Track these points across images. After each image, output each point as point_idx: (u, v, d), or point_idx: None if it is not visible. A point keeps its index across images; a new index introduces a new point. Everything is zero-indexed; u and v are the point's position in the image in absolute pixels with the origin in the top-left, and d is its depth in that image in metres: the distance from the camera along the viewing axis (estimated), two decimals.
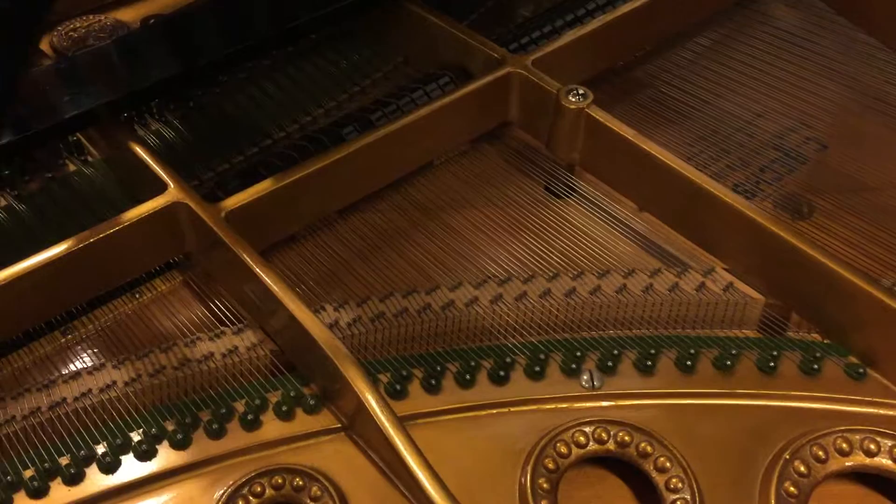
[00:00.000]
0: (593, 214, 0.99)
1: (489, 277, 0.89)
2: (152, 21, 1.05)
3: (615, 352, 0.83)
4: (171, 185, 0.85)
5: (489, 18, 1.18)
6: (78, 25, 1.09)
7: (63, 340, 0.86)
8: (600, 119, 0.94)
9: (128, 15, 1.12)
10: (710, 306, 0.87)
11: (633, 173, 0.95)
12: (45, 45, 1.07)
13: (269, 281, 0.80)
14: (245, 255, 0.81)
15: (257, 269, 0.81)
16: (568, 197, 1.01)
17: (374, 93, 1.07)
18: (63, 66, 0.92)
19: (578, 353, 0.83)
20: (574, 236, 0.97)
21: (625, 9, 1.07)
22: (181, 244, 0.87)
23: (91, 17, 1.10)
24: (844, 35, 1.22)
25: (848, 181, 1.05)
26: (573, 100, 0.95)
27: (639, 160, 0.93)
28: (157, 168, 0.87)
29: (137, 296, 0.90)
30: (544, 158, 1.04)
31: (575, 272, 0.89)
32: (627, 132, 0.94)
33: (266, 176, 0.90)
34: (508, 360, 0.82)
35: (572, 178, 1.01)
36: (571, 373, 0.82)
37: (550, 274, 0.89)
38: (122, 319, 0.89)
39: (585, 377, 0.82)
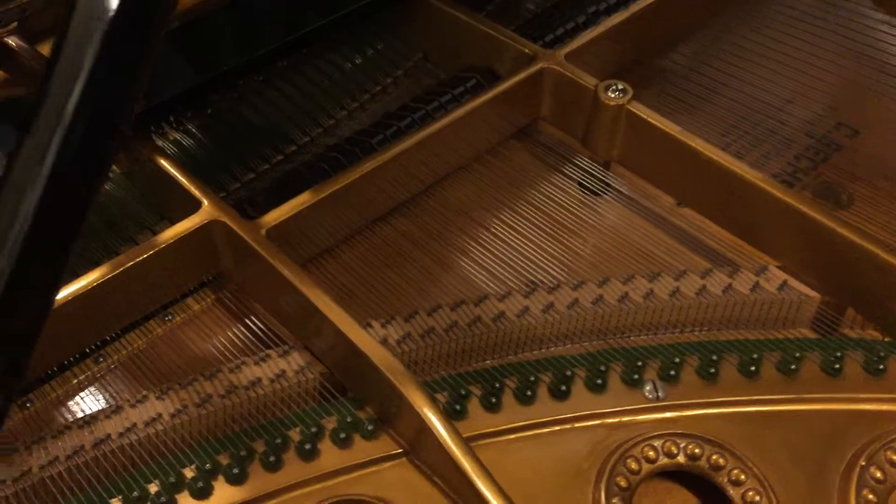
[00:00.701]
0: (632, 211, 0.97)
1: (538, 285, 0.86)
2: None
3: (676, 360, 0.81)
4: (206, 202, 0.81)
5: (497, 13, 1.14)
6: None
7: (96, 368, 0.82)
8: (642, 115, 0.91)
9: None
10: (765, 306, 0.85)
11: (676, 169, 0.92)
12: (45, 50, 1.01)
13: (316, 299, 0.77)
14: (288, 273, 0.78)
15: (303, 288, 0.77)
16: (604, 193, 0.98)
17: (397, 92, 1.03)
18: None
19: (640, 363, 0.80)
20: (617, 236, 0.94)
21: None
22: (216, 263, 0.83)
23: None
24: (863, 13, 1.20)
25: (883, 167, 1.03)
26: (612, 96, 0.92)
27: (682, 155, 0.90)
28: (188, 183, 0.83)
29: (169, 318, 0.85)
30: (574, 153, 1.01)
31: (625, 276, 0.87)
32: (671, 128, 0.91)
33: (298, 188, 0.86)
34: (568, 373, 0.79)
35: (606, 173, 0.99)
36: (634, 384, 0.79)
37: (600, 279, 0.86)
38: (155, 343, 0.84)
39: (648, 388, 0.79)
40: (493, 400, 0.77)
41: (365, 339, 0.75)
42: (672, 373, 0.80)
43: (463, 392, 0.78)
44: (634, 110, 0.91)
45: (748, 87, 1.11)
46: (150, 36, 0.45)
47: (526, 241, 0.93)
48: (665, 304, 0.84)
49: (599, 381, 0.79)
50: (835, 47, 1.16)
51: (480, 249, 0.92)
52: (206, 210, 0.81)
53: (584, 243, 0.93)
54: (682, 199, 0.95)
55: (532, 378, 0.79)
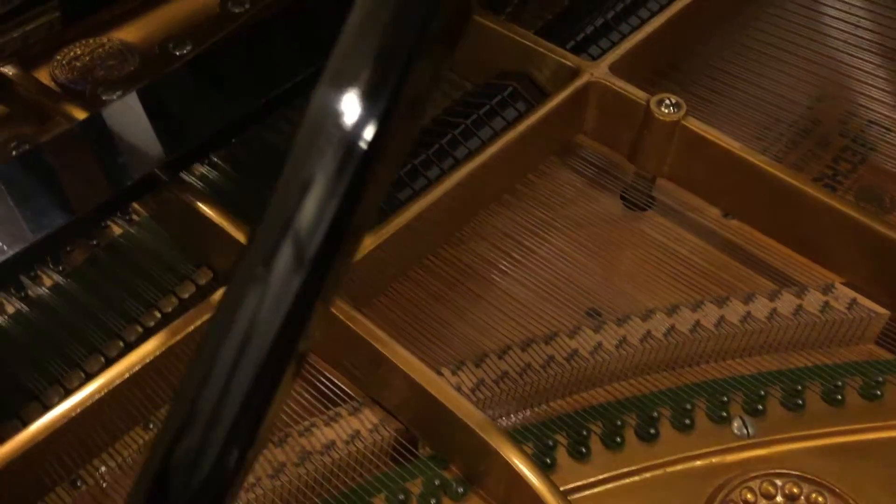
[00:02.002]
0: (680, 226, 0.94)
1: (605, 317, 0.83)
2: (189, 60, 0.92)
3: (761, 392, 0.78)
4: None
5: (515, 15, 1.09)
6: (79, 52, 0.95)
7: (148, 438, 0.75)
8: (698, 131, 0.88)
9: (131, 35, 0.98)
10: (835, 326, 0.83)
11: (731, 183, 0.89)
12: (44, 78, 0.93)
13: (384, 347, 0.72)
14: (353, 324, 0.73)
15: (368, 336, 0.72)
16: (649, 208, 0.95)
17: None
18: (103, 126, 0.79)
19: (724, 399, 0.78)
20: (670, 254, 0.91)
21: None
22: None
23: (91, 40, 0.96)
24: (878, 7, 1.18)
25: None
26: (666, 111, 0.88)
27: (739, 170, 0.87)
28: (236, 231, 0.76)
29: None
30: (614, 167, 0.97)
31: (693, 302, 0.84)
32: (728, 143, 0.87)
33: None
34: (655, 414, 0.76)
35: (649, 187, 0.95)
36: (721, 421, 0.77)
37: (668, 307, 0.83)
38: None
39: (737, 424, 0.77)
40: (583, 449, 0.74)
41: (445, 391, 0.71)
42: (759, 407, 0.77)
43: (550, 442, 0.74)
44: (690, 126, 0.88)
45: (775, 86, 1.08)
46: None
47: (578, 265, 0.89)
48: (737, 330, 0.82)
49: (688, 422, 0.76)
50: (855, 42, 1.14)
51: (533, 276, 0.88)
52: None
53: (638, 264, 0.90)
54: (736, 212, 0.92)
55: (619, 422, 0.76)
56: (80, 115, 0.84)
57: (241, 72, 0.85)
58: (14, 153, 0.83)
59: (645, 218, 0.95)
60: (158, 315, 0.79)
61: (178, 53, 0.93)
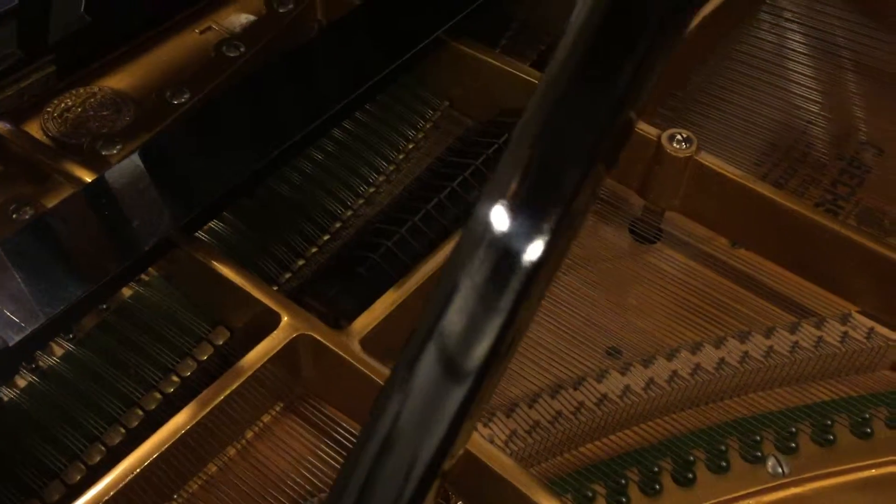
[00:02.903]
0: (690, 258, 0.94)
1: (626, 355, 0.82)
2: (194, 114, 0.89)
3: (792, 429, 0.78)
4: (286, 316, 0.73)
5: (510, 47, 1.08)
6: (70, 103, 0.91)
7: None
8: (711, 165, 0.88)
9: (122, 82, 0.95)
10: (854, 355, 0.84)
11: (743, 214, 0.89)
12: (35, 131, 0.89)
13: None
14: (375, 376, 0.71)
15: None
16: (657, 240, 0.95)
17: (429, 147, 0.96)
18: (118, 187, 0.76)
19: (757, 438, 0.77)
20: (684, 287, 0.91)
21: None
22: (297, 378, 0.75)
23: (81, 90, 0.93)
24: (860, 27, 1.19)
25: None
26: (678, 147, 0.88)
27: (751, 201, 0.87)
28: (260, 294, 0.74)
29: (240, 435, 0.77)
30: (621, 200, 0.97)
31: (716, 338, 0.84)
32: (740, 175, 0.88)
33: (367, 277, 0.79)
34: (690, 458, 0.76)
35: (659, 220, 0.95)
36: (756, 461, 0.76)
37: (692, 345, 0.83)
38: (229, 466, 0.76)
39: (771, 463, 0.76)
40: (623, 499, 0.73)
41: (482, 445, 0.69)
42: (791, 444, 0.77)
43: (589, 493, 0.73)
44: (702, 161, 0.88)
45: (768, 111, 1.09)
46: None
47: (594, 303, 0.89)
48: (761, 365, 0.82)
49: (724, 464, 0.76)
50: (838, 62, 1.15)
51: (551, 317, 0.87)
52: (290, 324, 0.72)
53: (653, 298, 0.90)
54: (747, 243, 0.92)
55: (655, 469, 0.75)
56: (80, 172, 0.81)
57: (249, 122, 0.82)
58: (14, 216, 0.80)
59: (654, 250, 0.95)
60: (177, 379, 0.76)
61: (175, 102, 0.91)
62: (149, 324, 0.79)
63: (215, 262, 0.76)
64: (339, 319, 0.78)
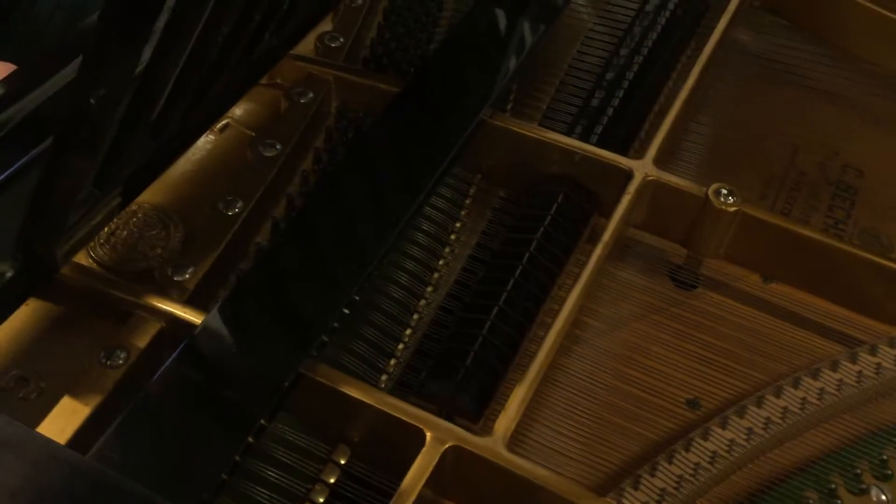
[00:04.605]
0: (729, 297, 0.99)
1: (705, 406, 0.87)
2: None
3: (884, 457, 0.84)
4: (429, 431, 0.72)
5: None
6: (114, 227, 0.87)
7: None
8: (758, 216, 0.93)
9: (157, 197, 0.91)
10: None
11: (786, 256, 0.95)
12: (84, 261, 0.84)
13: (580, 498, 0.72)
14: (544, 482, 0.72)
15: (562, 488, 0.72)
16: (698, 285, 1.00)
17: (473, 223, 0.97)
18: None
19: (857, 471, 0.83)
20: (736, 328, 0.95)
21: (695, 75, 1.05)
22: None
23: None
24: (818, 51, 1.28)
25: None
26: (726, 201, 0.93)
27: (794, 244, 0.93)
28: (398, 412, 0.73)
29: None
30: (661, 252, 1.01)
31: (792, 379, 0.89)
32: (787, 223, 0.94)
33: (473, 371, 0.80)
34: (810, 502, 0.81)
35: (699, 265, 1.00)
36: (861, 493, 0.82)
37: (774, 389, 0.88)
38: None
39: (874, 492, 0.82)
40: None
41: None
42: (888, 472, 0.83)
43: None
44: (751, 212, 0.93)
45: (755, 140, 1.16)
46: None
47: (658, 357, 0.93)
48: (837, 399, 0.88)
49: (838, 502, 0.81)
50: (798, 84, 1.24)
51: (628, 380, 0.90)
52: (436, 439, 0.72)
53: (712, 344, 0.94)
54: (782, 277, 0.98)
55: None
56: (162, 303, 0.78)
57: (338, 235, 0.81)
58: (108, 363, 0.75)
59: (698, 296, 0.99)
60: None
61: (230, 213, 0.88)
62: (268, 453, 0.76)
63: (343, 385, 0.75)
64: (453, 419, 0.78)
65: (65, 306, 0.81)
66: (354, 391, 0.74)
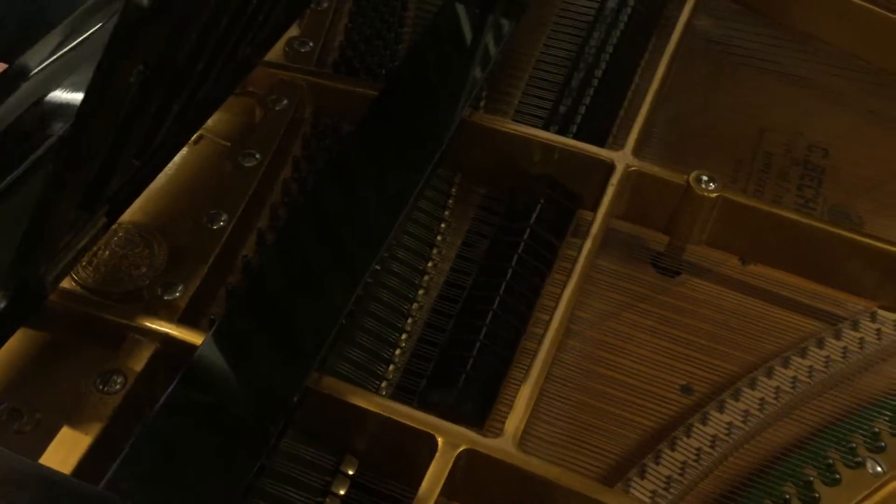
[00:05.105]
0: (711, 281, 1.00)
1: (697, 390, 0.88)
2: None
3: (875, 429, 0.86)
4: (440, 436, 0.72)
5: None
6: (95, 248, 0.84)
7: None
8: (739, 200, 0.94)
9: (136, 215, 0.88)
10: (889, 348, 0.93)
11: (767, 238, 0.96)
12: (68, 284, 0.82)
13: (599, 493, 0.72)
14: (556, 479, 0.72)
15: (576, 485, 0.72)
16: (680, 272, 1.01)
17: (458, 223, 0.97)
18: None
19: (853, 445, 0.85)
20: (720, 312, 0.97)
21: (664, 65, 1.06)
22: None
23: None
24: (776, 34, 1.30)
25: (865, 179, 1.15)
26: (707, 187, 0.94)
27: (775, 226, 0.95)
28: (408, 419, 0.73)
29: None
30: (641, 240, 1.02)
31: (782, 358, 0.90)
32: (766, 206, 0.95)
33: (473, 375, 0.80)
34: (810, 478, 0.82)
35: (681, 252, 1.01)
36: (857, 466, 0.84)
37: (765, 370, 0.90)
38: None
39: (870, 464, 0.84)
40: None
41: None
42: (881, 444, 0.85)
43: None
44: (732, 197, 0.94)
45: (722, 123, 1.17)
46: None
47: (649, 345, 0.93)
48: (826, 375, 0.90)
49: (837, 476, 0.83)
50: (757, 65, 1.25)
51: (620, 369, 0.91)
52: (448, 444, 0.72)
53: (700, 328, 0.95)
54: (762, 259, 1.00)
55: (786, 496, 0.81)
56: (155, 324, 0.76)
57: (331, 249, 0.80)
58: (104, 389, 0.73)
59: (681, 282, 1.00)
60: None
61: (216, 227, 0.86)
62: (276, 469, 0.75)
63: (349, 395, 0.74)
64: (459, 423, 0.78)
65: (53, 333, 0.78)
66: (361, 401, 0.74)
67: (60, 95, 0.80)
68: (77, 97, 0.79)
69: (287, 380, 0.70)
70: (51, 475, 0.59)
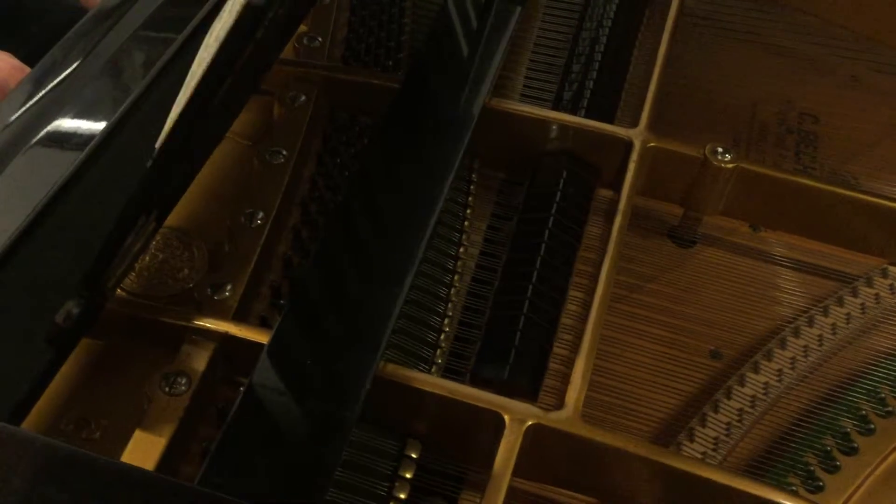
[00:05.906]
0: (725, 250, 1.04)
1: (727, 355, 0.91)
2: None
3: (881, 395, 0.90)
4: (507, 416, 0.74)
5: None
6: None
7: None
8: (756, 169, 0.98)
9: (172, 218, 0.88)
10: None
11: (782, 204, 0.99)
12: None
13: (662, 457, 0.75)
14: (623, 447, 0.75)
15: (643, 451, 0.74)
16: (696, 242, 1.04)
17: (481, 207, 0.99)
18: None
19: (882, 395, 0.89)
20: (752, 281, 1.00)
21: (666, 41, 1.08)
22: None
23: None
24: (757, 7, 1.34)
25: (856, 143, 1.19)
26: (723, 159, 0.97)
27: (791, 193, 0.98)
28: (475, 399, 0.74)
29: None
30: (655, 213, 1.05)
31: (807, 317, 0.94)
32: (781, 173, 0.98)
33: (523, 350, 0.82)
34: (847, 430, 0.86)
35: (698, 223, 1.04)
36: (888, 415, 0.88)
37: (792, 330, 0.93)
38: None
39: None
40: (820, 483, 0.82)
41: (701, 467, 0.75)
42: (890, 409, 0.89)
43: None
44: (749, 167, 0.97)
45: (718, 97, 1.21)
46: None
47: (676, 314, 0.96)
48: (847, 331, 0.94)
49: (871, 426, 0.86)
50: (742, 37, 1.29)
51: (655, 338, 0.94)
52: (515, 420, 0.73)
53: (723, 295, 0.98)
54: (773, 224, 1.03)
55: (827, 448, 0.85)
56: (212, 324, 0.76)
57: (373, 249, 0.81)
58: (168, 391, 0.73)
59: (698, 252, 1.04)
60: None
61: (254, 226, 0.86)
62: (347, 459, 0.76)
63: (412, 379, 0.75)
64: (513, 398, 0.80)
65: (110, 339, 0.78)
66: (424, 384, 0.75)
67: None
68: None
69: (357, 367, 0.71)
70: (150, 476, 0.59)
